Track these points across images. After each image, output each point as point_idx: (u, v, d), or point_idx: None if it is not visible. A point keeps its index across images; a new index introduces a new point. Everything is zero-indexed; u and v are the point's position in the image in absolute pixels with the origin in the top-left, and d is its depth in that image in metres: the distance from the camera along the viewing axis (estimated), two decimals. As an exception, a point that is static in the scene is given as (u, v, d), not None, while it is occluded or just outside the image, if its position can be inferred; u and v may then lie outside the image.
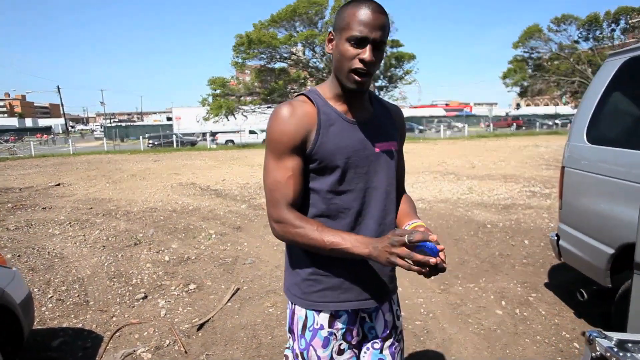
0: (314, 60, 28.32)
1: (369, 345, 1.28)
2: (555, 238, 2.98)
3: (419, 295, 3.30)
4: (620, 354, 1.16)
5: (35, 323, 3.02)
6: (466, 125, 34.34)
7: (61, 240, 5.13)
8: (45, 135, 42.09)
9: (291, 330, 1.25)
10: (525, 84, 31.96)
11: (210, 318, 3.00)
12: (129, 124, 51.38)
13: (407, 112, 54.02)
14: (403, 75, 29.94)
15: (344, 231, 1.08)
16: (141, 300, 3.34)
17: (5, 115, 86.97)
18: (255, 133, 29.58)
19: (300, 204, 1.16)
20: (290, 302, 1.24)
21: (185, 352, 2.56)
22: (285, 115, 1.10)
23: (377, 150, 1.18)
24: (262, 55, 25.69)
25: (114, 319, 3.04)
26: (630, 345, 1.21)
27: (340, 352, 1.22)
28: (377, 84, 31.47)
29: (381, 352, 1.28)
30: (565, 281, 3.45)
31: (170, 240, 4.99)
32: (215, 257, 4.34)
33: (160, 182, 9.95)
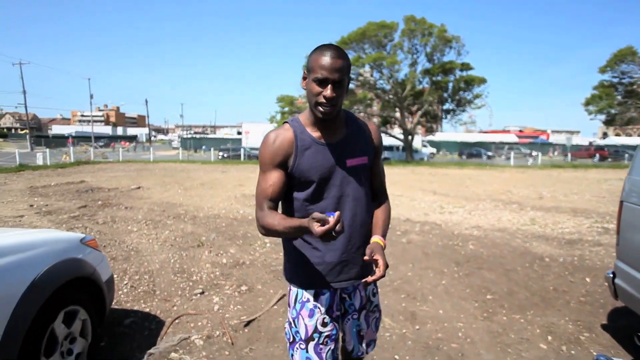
0: (381, 81, 28.66)
1: (349, 317, 1.65)
2: (612, 276, 2.84)
3: (460, 320, 3.28)
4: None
5: (113, 303, 3.52)
6: (539, 154, 32.11)
7: (137, 236, 5.81)
8: (127, 143, 47.00)
9: (288, 304, 1.63)
10: (613, 111, 29.24)
11: (257, 317, 3.27)
12: (202, 136, 55.45)
13: (474, 137, 51.77)
14: (472, 100, 29.06)
15: (294, 218, 1.41)
16: (199, 295, 3.72)
17: (102, 123, 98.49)
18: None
19: (285, 212, 1.54)
20: (288, 282, 1.64)
21: (232, 344, 2.84)
22: (270, 141, 1.45)
23: (348, 165, 1.49)
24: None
25: (175, 308, 3.44)
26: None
27: (324, 324, 1.56)
28: (444, 107, 30.86)
29: (358, 320, 1.66)
30: (628, 325, 3.21)
31: (229, 245, 5.43)
32: (267, 264, 4.65)
33: (225, 192, 10.70)
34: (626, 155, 34.29)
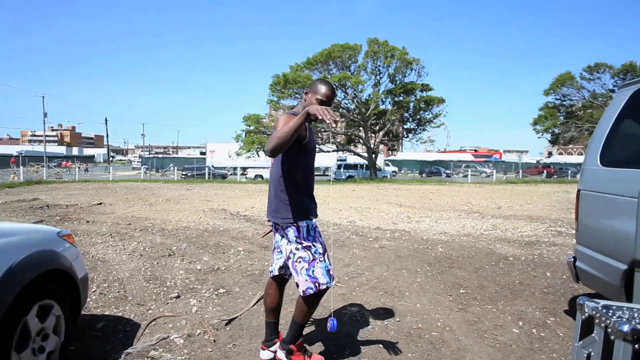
0: (346, 101, 29.36)
1: None
2: (572, 260, 3.07)
3: (437, 312, 3.39)
4: (604, 311, 1.34)
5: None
6: (494, 171, 33.94)
7: (103, 248, 5.54)
8: (69, 163, 44.87)
9: (298, 240, 2.24)
10: (557, 131, 31.63)
11: (238, 316, 3.21)
12: (164, 156, 53.88)
13: (434, 157, 53.98)
14: (432, 119, 30.41)
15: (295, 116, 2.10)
16: (175, 298, 3.61)
17: (56, 144, 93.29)
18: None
19: (293, 172, 2.26)
20: (293, 223, 2.24)
21: (214, 341, 2.77)
22: (289, 116, 2.13)
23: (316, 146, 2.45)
24: (297, 95, 26.93)
25: (150, 311, 3.31)
26: (613, 307, 1.39)
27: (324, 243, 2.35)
28: (405, 126, 32.05)
29: None
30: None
31: (202, 254, 5.30)
32: (243, 270, 4.58)
33: (192, 207, 10.44)
34: (569, 172, 37.03)
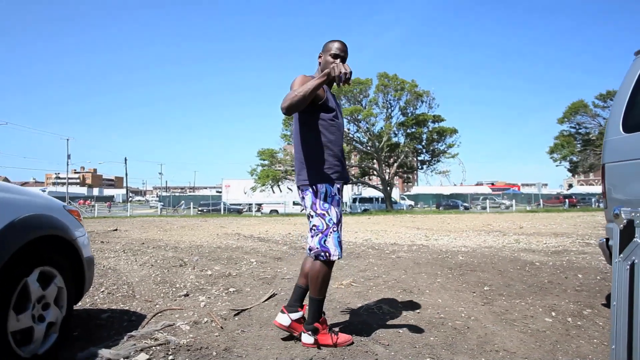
0: (358, 134, 29.70)
1: None
2: (605, 241, 2.85)
3: (460, 305, 3.15)
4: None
5: (87, 304, 3.23)
6: (514, 201, 33.15)
7: (115, 260, 5.47)
8: (88, 202, 46.03)
9: (314, 203, 2.20)
10: (575, 159, 31.03)
11: (247, 308, 3.05)
12: (182, 193, 54.74)
13: (450, 190, 53.18)
14: (445, 150, 30.33)
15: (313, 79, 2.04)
16: (183, 296, 3.47)
17: (78, 185, 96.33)
18: (299, 204, 30.32)
19: (309, 132, 2.24)
20: (310, 185, 2.20)
21: (221, 328, 2.61)
22: (304, 77, 2.15)
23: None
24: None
25: (157, 306, 3.17)
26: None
27: (341, 213, 2.29)
28: (419, 158, 32.00)
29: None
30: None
31: (214, 264, 5.17)
32: (255, 275, 4.43)
33: (207, 232, 10.40)
34: (592, 200, 35.78)
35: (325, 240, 2.17)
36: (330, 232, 2.18)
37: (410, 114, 28.82)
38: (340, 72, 1.92)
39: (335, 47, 2.23)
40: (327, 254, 2.17)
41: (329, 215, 2.18)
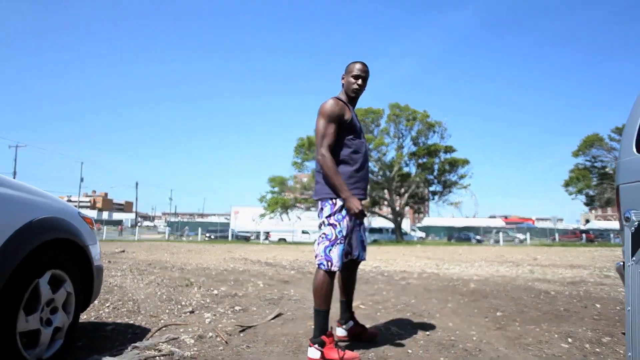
0: (370, 163, 29.81)
1: (355, 228, 2.45)
2: (621, 264, 2.76)
3: (472, 329, 3.05)
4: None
5: (92, 317, 3.21)
6: (528, 234, 32.39)
7: (121, 279, 5.46)
8: (96, 225, 46.51)
9: (329, 216, 2.29)
10: (591, 192, 30.49)
11: (253, 326, 2.99)
12: (190, 219, 54.92)
13: (462, 222, 52.21)
14: (457, 180, 30.16)
15: (344, 182, 2.26)
16: (188, 312, 3.43)
17: (89, 208, 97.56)
18: (308, 233, 30.05)
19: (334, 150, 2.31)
20: (330, 199, 2.29)
21: (226, 343, 2.56)
22: (335, 104, 2.31)
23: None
24: (320, 157, 27.59)
25: (162, 321, 3.14)
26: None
27: (353, 226, 2.39)
28: (431, 189, 31.80)
29: (360, 231, 2.50)
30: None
31: (220, 285, 5.12)
32: (261, 296, 4.37)
33: (214, 255, 10.35)
34: (611, 235, 34.74)
35: (330, 250, 2.25)
36: (337, 244, 2.26)
37: (421, 144, 28.93)
38: (357, 212, 2.21)
39: (357, 69, 2.39)
40: (330, 263, 2.25)
41: (340, 227, 2.27)
